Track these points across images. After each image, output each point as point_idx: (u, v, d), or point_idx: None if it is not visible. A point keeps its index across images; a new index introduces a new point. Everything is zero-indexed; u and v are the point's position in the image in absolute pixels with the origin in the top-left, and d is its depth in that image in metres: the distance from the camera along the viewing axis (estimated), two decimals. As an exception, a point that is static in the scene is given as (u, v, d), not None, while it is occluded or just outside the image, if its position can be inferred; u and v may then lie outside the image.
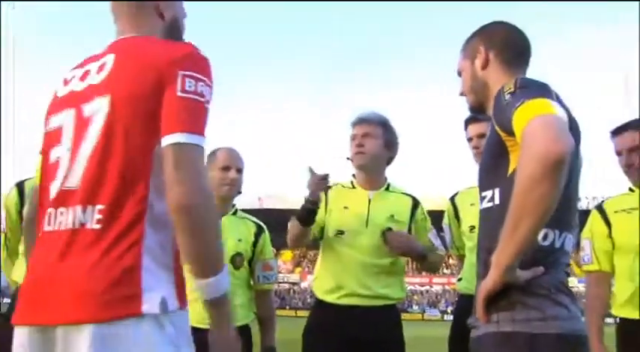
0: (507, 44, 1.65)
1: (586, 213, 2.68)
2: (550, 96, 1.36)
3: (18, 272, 2.70)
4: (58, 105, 1.44)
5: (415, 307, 41.70)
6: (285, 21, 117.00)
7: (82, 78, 1.42)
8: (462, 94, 1.73)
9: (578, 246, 2.56)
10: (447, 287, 44.22)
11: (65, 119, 1.39)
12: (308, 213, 2.48)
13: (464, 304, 2.84)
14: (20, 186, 2.85)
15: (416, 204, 2.71)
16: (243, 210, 2.86)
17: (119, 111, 1.29)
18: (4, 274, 2.95)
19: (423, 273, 45.74)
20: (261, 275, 2.76)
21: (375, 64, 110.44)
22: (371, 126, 2.65)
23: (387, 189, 2.73)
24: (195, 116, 1.26)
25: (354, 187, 2.73)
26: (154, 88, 1.28)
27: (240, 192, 2.75)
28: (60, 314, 1.21)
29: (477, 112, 1.76)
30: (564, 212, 1.42)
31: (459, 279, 3.16)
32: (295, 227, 2.54)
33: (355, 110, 2.81)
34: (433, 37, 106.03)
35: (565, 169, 1.21)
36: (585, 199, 39.47)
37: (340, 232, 2.61)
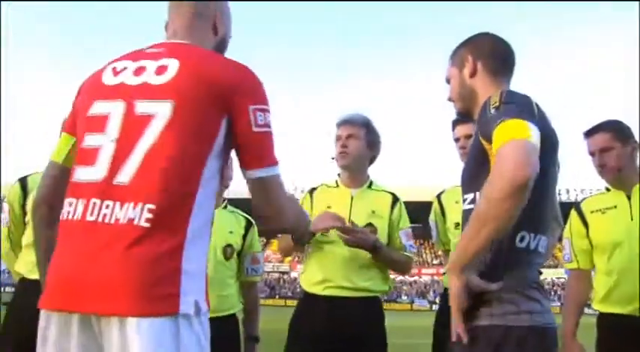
0: (494, 54, 1.74)
1: (573, 205, 2.78)
2: (529, 115, 1.45)
3: (21, 264, 2.77)
4: (105, 92, 1.44)
5: (404, 297, 41.94)
6: (289, 20, 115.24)
7: (137, 73, 1.43)
8: (449, 100, 1.82)
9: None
10: (435, 277, 44.47)
11: (113, 109, 1.40)
12: (307, 240, 2.64)
13: (448, 297, 2.88)
14: (23, 181, 2.88)
15: (395, 200, 2.81)
16: (236, 199, 2.92)
17: (180, 120, 1.35)
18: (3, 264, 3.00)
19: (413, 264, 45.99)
20: (249, 268, 2.89)
21: (380, 62, 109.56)
22: (354, 128, 2.76)
23: (370, 186, 2.84)
24: (269, 148, 1.44)
25: (337, 186, 2.85)
26: (216, 110, 1.38)
27: (227, 186, 2.84)
28: (105, 305, 1.26)
29: (464, 117, 1.86)
30: (539, 216, 1.55)
31: (444, 273, 3.21)
32: (288, 245, 2.73)
33: (353, 110, 2.90)
34: (436, 34, 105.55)
35: (528, 190, 1.33)
36: (574, 191, 39.90)
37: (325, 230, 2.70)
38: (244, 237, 2.87)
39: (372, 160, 2.86)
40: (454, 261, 1.47)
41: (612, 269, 2.53)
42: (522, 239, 1.53)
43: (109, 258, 1.28)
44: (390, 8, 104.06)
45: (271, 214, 1.48)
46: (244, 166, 1.44)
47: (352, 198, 2.77)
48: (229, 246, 2.78)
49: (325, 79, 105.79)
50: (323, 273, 2.67)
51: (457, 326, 1.51)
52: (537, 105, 1.56)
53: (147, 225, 1.29)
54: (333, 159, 2.81)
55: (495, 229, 1.37)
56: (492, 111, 1.49)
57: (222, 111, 1.39)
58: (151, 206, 1.30)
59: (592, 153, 2.59)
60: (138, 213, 1.30)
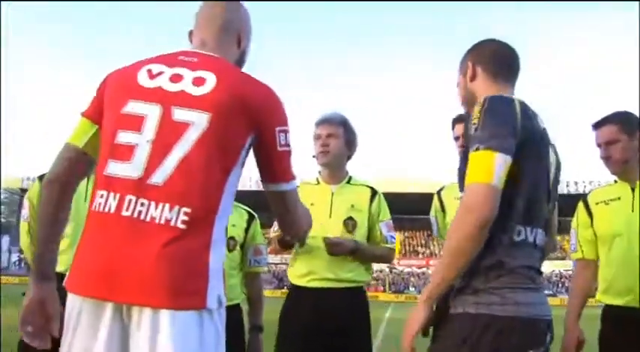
0: (494, 59, 1.84)
1: (581, 196, 2.81)
2: (501, 138, 1.54)
3: None
4: (141, 93, 1.51)
5: (412, 289, 42.06)
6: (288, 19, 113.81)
7: (174, 79, 1.52)
8: (462, 104, 1.95)
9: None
10: (443, 269, 44.60)
11: (149, 112, 1.48)
12: (291, 246, 2.82)
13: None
14: (42, 179, 2.93)
15: (374, 194, 2.94)
16: (239, 191, 2.93)
17: (214, 132, 1.45)
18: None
19: (420, 256, 46.11)
20: (252, 259, 3.02)
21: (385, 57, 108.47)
22: (333, 127, 2.88)
23: (349, 182, 2.97)
24: (289, 165, 1.60)
25: (318, 183, 2.98)
26: (245, 128, 1.50)
27: None
28: (142, 296, 1.37)
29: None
30: (532, 210, 1.64)
31: None
32: (275, 247, 2.89)
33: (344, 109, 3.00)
34: (436, 34, 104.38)
35: (487, 228, 1.51)
36: (582, 183, 39.69)
37: None
38: (246, 230, 3.00)
39: (349, 157, 2.98)
40: (431, 292, 1.58)
41: (611, 260, 2.55)
42: (519, 233, 1.62)
43: (147, 254, 1.38)
44: (390, 8, 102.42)
45: (289, 222, 1.70)
46: (266, 180, 1.60)
47: (332, 194, 2.90)
48: (232, 238, 2.88)
49: (323, 78, 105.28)
50: (308, 266, 2.80)
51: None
52: (523, 106, 1.64)
53: (183, 226, 1.41)
54: (314, 157, 2.93)
55: (465, 262, 1.54)
56: (473, 129, 1.59)
57: (249, 129, 1.51)
58: (187, 210, 1.42)
59: (599, 145, 2.60)
60: (175, 215, 1.41)
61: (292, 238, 1.99)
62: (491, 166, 1.52)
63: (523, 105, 1.65)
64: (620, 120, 2.56)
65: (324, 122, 2.90)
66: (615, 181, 2.66)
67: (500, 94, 1.70)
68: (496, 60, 1.83)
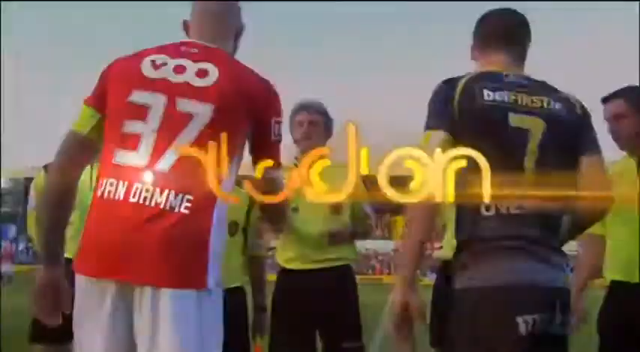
0: (478, 36, 1.90)
1: None
2: (435, 117, 1.68)
3: None
4: (145, 83, 1.56)
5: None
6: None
7: (177, 71, 1.57)
8: None
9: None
10: (447, 251, 44.51)
11: (155, 102, 1.53)
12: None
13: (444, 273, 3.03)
14: (47, 168, 2.95)
15: None
16: (243, 176, 2.96)
17: (217, 123, 1.50)
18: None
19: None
20: (254, 243, 3.08)
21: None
22: (313, 114, 2.97)
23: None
24: (279, 153, 1.68)
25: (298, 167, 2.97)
26: (246, 119, 1.57)
27: None
28: (144, 276, 1.45)
29: None
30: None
31: (440, 247, 3.25)
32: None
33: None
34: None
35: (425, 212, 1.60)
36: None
37: (295, 209, 2.87)
38: (247, 213, 3.03)
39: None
40: (401, 268, 1.67)
41: (615, 234, 2.56)
42: (488, 208, 1.66)
43: (150, 237, 1.46)
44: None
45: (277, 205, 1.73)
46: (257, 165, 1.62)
47: None
48: (234, 222, 2.90)
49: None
50: (296, 249, 2.90)
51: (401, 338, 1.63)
52: (468, 86, 1.69)
53: (186, 212, 1.48)
54: (295, 143, 2.99)
55: (421, 227, 1.63)
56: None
57: (249, 120, 1.58)
58: (190, 197, 1.48)
59: (607, 120, 2.60)
60: (179, 202, 1.48)
61: (268, 218, 2.11)
62: (427, 142, 1.64)
63: (469, 85, 1.70)
64: (629, 95, 2.56)
65: (304, 109, 2.96)
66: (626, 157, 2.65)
67: (444, 79, 1.76)
68: (479, 38, 1.89)
